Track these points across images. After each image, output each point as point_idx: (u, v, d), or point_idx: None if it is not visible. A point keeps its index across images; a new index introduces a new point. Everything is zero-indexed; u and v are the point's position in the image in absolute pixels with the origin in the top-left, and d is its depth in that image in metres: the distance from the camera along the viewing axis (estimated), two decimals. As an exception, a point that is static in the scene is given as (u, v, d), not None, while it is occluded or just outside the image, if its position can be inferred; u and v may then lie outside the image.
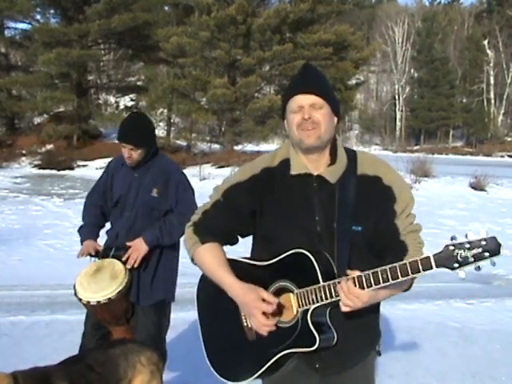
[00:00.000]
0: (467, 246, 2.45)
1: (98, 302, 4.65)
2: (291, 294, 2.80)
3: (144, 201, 4.94)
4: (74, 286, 4.79)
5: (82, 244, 5.02)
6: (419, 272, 2.50)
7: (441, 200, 22.10)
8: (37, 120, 34.78)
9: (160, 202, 4.97)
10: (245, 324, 2.91)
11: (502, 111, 66.25)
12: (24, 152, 29.65)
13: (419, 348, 7.04)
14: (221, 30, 29.33)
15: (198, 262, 3.01)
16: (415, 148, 59.88)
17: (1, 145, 29.63)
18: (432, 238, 15.03)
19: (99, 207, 5.13)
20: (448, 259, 2.45)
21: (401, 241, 2.80)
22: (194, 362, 6.26)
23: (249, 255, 3.10)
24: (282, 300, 2.83)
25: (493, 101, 65.66)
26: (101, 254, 4.96)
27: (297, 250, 2.76)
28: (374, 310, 2.92)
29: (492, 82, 65.10)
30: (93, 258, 4.97)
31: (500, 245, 2.51)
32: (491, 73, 65.11)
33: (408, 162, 26.91)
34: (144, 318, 4.99)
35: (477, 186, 25.22)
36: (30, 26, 32.10)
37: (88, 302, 4.68)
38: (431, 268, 2.48)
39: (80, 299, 4.73)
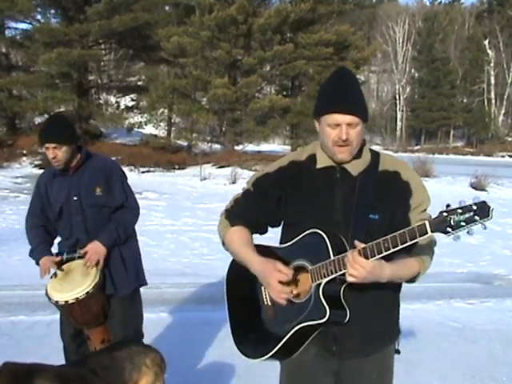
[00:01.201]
0: (459, 211, 2.60)
1: (77, 298, 4.66)
2: (307, 273, 2.95)
3: (90, 201, 4.93)
4: (47, 293, 4.81)
5: (38, 265, 4.97)
6: (415, 237, 2.67)
7: (441, 200, 21.73)
8: (37, 120, 34.71)
9: (107, 200, 4.99)
10: (265, 302, 3.08)
11: (503, 111, 66.30)
12: (25, 152, 29.61)
13: (420, 348, 7.04)
14: (222, 30, 29.34)
15: (227, 243, 3.21)
16: (416, 148, 59.96)
17: (1, 145, 29.59)
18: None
19: (42, 227, 5.04)
20: (442, 224, 2.62)
21: None
22: (194, 362, 6.29)
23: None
24: (300, 279, 3.00)
25: (493, 101, 65.73)
26: (65, 260, 4.94)
27: (312, 230, 2.94)
28: (391, 299, 3.10)
29: (493, 81, 65.15)
30: (56, 270, 4.93)
31: (489, 207, 2.60)
32: (492, 73, 65.15)
33: (409, 162, 26.55)
34: (122, 308, 5.03)
35: (477, 186, 25.22)
36: (30, 25, 32.08)
37: (66, 301, 4.69)
38: (427, 233, 2.65)
39: (57, 302, 4.73)
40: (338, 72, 3.08)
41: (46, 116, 31.87)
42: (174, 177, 26.25)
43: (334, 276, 2.84)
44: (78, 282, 4.75)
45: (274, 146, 45.03)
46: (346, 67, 3.24)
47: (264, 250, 3.14)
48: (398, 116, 68.45)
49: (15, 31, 34.39)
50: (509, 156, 56.74)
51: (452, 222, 2.60)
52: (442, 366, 6.60)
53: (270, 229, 3.32)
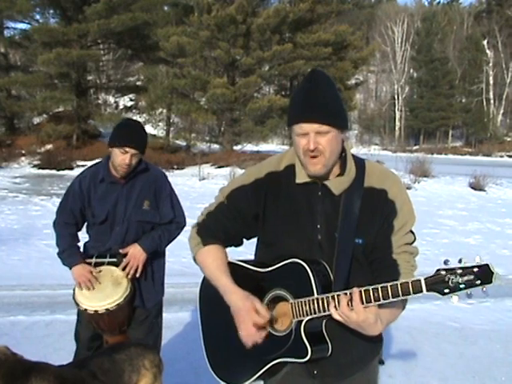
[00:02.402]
0: (459, 271, 2.43)
1: (107, 309, 4.58)
2: (287, 303, 2.78)
3: (135, 215, 4.81)
4: (75, 298, 4.73)
5: (70, 268, 4.81)
6: (409, 294, 2.48)
7: (440, 200, 22.10)
8: (36, 120, 34.78)
9: (153, 215, 4.89)
10: (252, 344, 2.88)
11: (502, 111, 66.39)
12: (23, 152, 29.64)
13: (419, 348, 7.04)
14: (220, 30, 29.34)
15: (199, 263, 3.03)
16: (414, 148, 59.99)
17: (0, 145, 29.61)
18: (431, 238, 15.02)
19: (74, 226, 4.86)
20: (439, 284, 2.44)
21: (393, 259, 2.78)
22: (194, 362, 6.28)
23: (248, 255, 3.10)
24: (279, 308, 2.83)
25: (492, 101, 65.80)
26: (93, 264, 4.81)
27: (294, 260, 2.75)
28: None
29: (491, 81, 65.21)
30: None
31: (492, 273, 2.43)
32: (490, 73, 65.23)
33: (407, 161, 26.94)
34: (146, 320, 4.95)
35: (476, 186, 25.22)
36: (29, 25, 32.11)
37: (96, 311, 4.60)
38: (421, 291, 2.46)
39: (85, 309, 4.64)
40: (307, 78, 2.81)
41: (45, 116, 32.04)
42: (173, 177, 26.14)
43: (317, 316, 2.67)
44: (108, 292, 4.66)
45: (273, 145, 45.01)
46: (319, 70, 2.89)
47: (240, 273, 2.95)
48: (397, 116, 68.47)
49: (14, 31, 34.50)
50: (507, 156, 56.83)
51: (450, 283, 2.42)
52: (441, 366, 6.61)
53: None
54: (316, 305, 2.67)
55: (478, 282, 2.40)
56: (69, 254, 4.78)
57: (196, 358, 6.44)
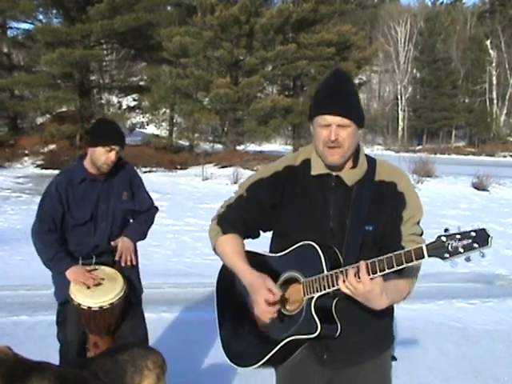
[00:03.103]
0: (458, 236, 2.55)
1: (111, 303, 4.60)
2: (299, 284, 2.92)
3: (119, 207, 4.89)
4: (72, 298, 4.65)
5: (63, 273, 4.72)
6: (412, 261, 2.63)
7: (443, 200, 22.09)
8: (39, 120, 34.78)
9: (131, 204, 4.99)
10: (266, 320, 3.01)
11: (505, 111, 66.29)
12: (26, 152, 29.63)
13: (422, 348, 7.04)
14: (224, 30, 29.33)
15: (218, 250, 3.21)
16: (417, 148, 59.92)
17: (3, 145, 29.59)
18: (434, 238, 14.99)
19: (56, 232, 4.79)
20: (439, 249, 2.57)
21: (401, 246, 2.86)
22: (196, 362, 6.29)
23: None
24: (292, 290, 2.97)
25: (495, 101, 65.72)
26: (93, 264, 4.83)
27: (306, 242, 2.91)
28: (384, 308, 2.98)
29: (494, 81, 65.13)
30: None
31: (489, 236, 2.51)
32: (494, 73, 65.14)
33: (410, 161, 26.92)
34: (136, 316, 5.00)
35: (479, 186, 25.21)
36: (32, 26, 32.05)
37: (101, 307, 4.59)
38: (423, 257, 2.60)
39: (89, 307, 4.60)
40: (332, 74, 3.05)
41: (48, 116, 32.05)
42: (176, 177, 26.25)
43: (327, 291, 2.82)
44: (108, 288, 4.69)
45: (276, 146, 45.02)
46: (342, 69, 3.19)
47: (256, 259, 3.11)
48: (400, 116, 68.44)
49: (17, 31, 34.47)
50: (510, 156, 56.73)
51: (450, 247, 2.56)
52: (443, 366, 6.60)
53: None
54: (325, 281, 2.82)
55: (476, 245, 2.51)
56: (59, 258, 4.73)
57: (197, 357, 6.45)
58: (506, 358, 6.98)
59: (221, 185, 23.73)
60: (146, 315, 5.21)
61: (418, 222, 3.00)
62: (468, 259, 2.55)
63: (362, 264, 2.68)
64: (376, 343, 3.10)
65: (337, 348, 2.99)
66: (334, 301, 2.88)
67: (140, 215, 5.07)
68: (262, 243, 3.33)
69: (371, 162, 3.08)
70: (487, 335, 7.76)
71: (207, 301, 8.06)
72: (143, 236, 5.06)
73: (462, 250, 2.53)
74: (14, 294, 8.83)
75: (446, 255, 2.55)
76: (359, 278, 2.68)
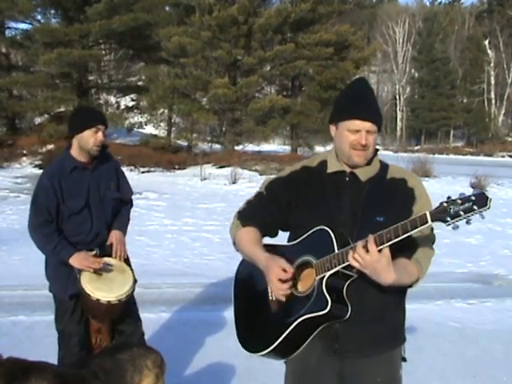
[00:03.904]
0: (459, 201, 2.71)
1: (128, 295, 4.76)
2: (312, 268, 3.03)
3: (108, 195, 5.01)
4: (89, 294, 4.68)
5: (67, 261, 4.78)
6: (417, 227, 2.77)
7: (441, 200, 22.04)
8: (38, 120, 34.73)
9: (119, 194, 5.14)
10: (270, 297, 3.15)
11: (503, 111, 66.37)
12: (25, 152, 29.60)
13: (420, 348, 7.03)
14: (222, 30, 29.32)
15: (237, 241, 3.33)
16: (416, 148, 60.00)
17: (2, 145, 29.55)
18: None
19: (54, 223, 4.84)
20: (442, 213, 2.73)
21: (412, 238, 2.96)
22: (195, 362, 6.29)
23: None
24: (305, 274, 3.09)
25: (493, 101, 65.81)
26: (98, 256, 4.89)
27: (318, 227, 3.05)
28: (395, 303, 3.22)
29: (493, 81, 65.20)
30: (96, 251, 4.93)
31: (487, 198, 2.68)
32: (492, 73, 65.21)
33: (409, 162, 26.95)
34: (133, 309, 5.11)
35: (477, 186, 25.15)
36: (30, 26, 32.05)
37: (119, 300, 4.71)
38: (427, 222, 2.75)
39: (109, 301, 4.68)
40: (359, 81, 3.28)
41: (46, 116, 32.03)
42: (174, 177, 26.26)
43: (337, 269, 2.93)
44: (122, 280, 4.84)
45: (274, 146, 45.01)
46: (363, 77, 3.44)
47: (272, 249, 3.22)
48: (398, 116, 68.54)
49: (15, 31, 34.36)
50: (509, 156, 56.78)
51: (451, 211, 2.70)
52: (442, 366, 6.61)
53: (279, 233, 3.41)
54: (336, 259, 2.94)
55: (475, 207, 2.67)
56: (61, 247, 4.78)
57: (197, 357, 6.45)
58: (504, 357, 6.98)
59: (219, 185, 23.74)
60: (145, 315, 5.24)
61: None
62: (468, 222, 2.71)
63: (370, 236, 2.80)
64: (387, 338, 3.22)
65: (348, 338, 3.09)
66: (346, 283, 3.00)
67: (123, 209, 5.19)
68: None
69: (384, 164, 3.26)
70: (485, 335, 7.76)
71: (206, 301, 8.08)
72: (127, 227, 5.19)
73: (462, 213, 2.68)
74: (12, 294, 8.83)
75: (448, 219, 2.71)
76: (367, 250, 2.79)
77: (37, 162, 28.28)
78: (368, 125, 3.05)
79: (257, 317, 3.25)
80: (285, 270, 2.99)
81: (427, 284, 9.68)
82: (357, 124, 3.04)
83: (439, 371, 6.43)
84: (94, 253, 4.85)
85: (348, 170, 3.17)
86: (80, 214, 4.86)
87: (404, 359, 3.38)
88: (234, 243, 3.36)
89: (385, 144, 64.06)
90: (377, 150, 3.23)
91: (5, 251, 11.35)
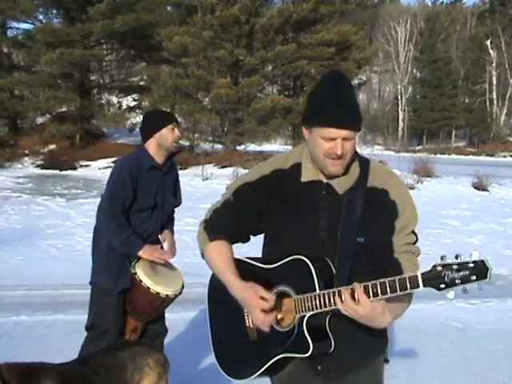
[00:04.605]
0: (455, 267, 2.42)
1: (181, 291, 5.03)
2: (291, 299, 2.82)
3: (170, 202, 5.21)
4: (149, 287, 4.80)
5: (137, 252, 4.87)
6: (406, 290, 2.51)
7: (443, 200, 22.08)
8: (39, 120, 34.78)
9: (177, 202, 5.38)
10: (247, 324, 2.96)
11: (505, 111, 66.33)
12: (26, 152, 29.64)
13: (422, 348, 7.03)
14: (224, 30, 29.31)
15: (206, 258, 3.09)
16: (418, 148, 59.98)
17: (3, 145, 29.59)
18: (435, 238, 14.97)
19: (124, 215, 4.94)
20: (435, 279, 2.45)
21: (394, 258, 2.78)
22: (197, 362, 6.28)
23: (252, 254, 3.16)
24: (284, 304, 2.88)
25: (495, 101, 65.77)
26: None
27: (297, 257, 2.78)
28: None
29: (494, 81, 65.17)
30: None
31: (488, 268, 2.39)
32: (494, 73, 65.18)
33: (410, 161, 26.95)
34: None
35: (479, 186, 25.20)
36: (32, 26, 32.08)
37: (175, 295, 4.97)
38: (418, 287, 2.48)
39: (167, 295, 4.90)
40: (332, 78, 2.84)
41: (48, 116, 32.06)
42: (176, 177, 26.23)
43: (319, 311, 2.72)
44: (176, 275, 5.09)
45: (276, 146, 44.97)
46: (340, 71, 2.93)
47: (247, 270, 2.99)
48: (400, 116, 68.50)
49: (17, 31, 34.47)
50: (511, 156, 56.75)
51: (446, 278, 2.43)
52: (443, 366, 6.60)
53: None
54: (318, 301, 2.71)
55: (474, 277, 2.40)
56: (133, 239, 4.86)
57: (199, 358, 6.45)
58: (505, 357, 6.97)
59: (221, 185, 23.65)
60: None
61: (413, 231, 2.86)
62: (465, 291, 2.45)
63: (356, 285, 2.59)
64: (371, 352, 3.01)
65: (331, 359, 2.89)
66: (328, 317, 2.78)
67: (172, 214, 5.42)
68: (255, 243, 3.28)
69: (364, 164, 2.92)
70: (487, 335, 7.76)
71: (207, 301, 8.06)
72: None
73: (458, 282, 2.42)
74: (14, 294, 8.83)
75: (442, 286, 2.44)
76: (358, 300, 2.59)
77: (38, 162, 28.33)
78: (345, 132, 2.71)
79: (234, 344, 3.06)
80: (264, 299, 2.79)
81: (429, 284, 9.68)
82: (331, 132, 2.70)
83: (440, 371, 6.43)
84: (159, 246, 5.09)
85: (324, 180, 2.86)
86: (144, 212, 5.01)
87: (386, 360, 3.10)
88: (203, 256, 3.11)
89: (386, 144, 64.10)
90: (356, 153, 2.89)
91: (6, 251, 11.35)
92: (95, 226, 5.13)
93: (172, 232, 5.34)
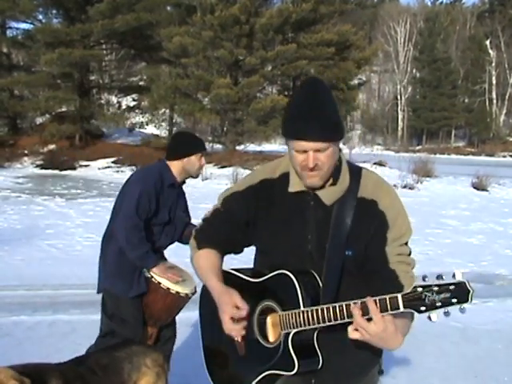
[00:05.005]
0: (435, 288, 2.33)
1: (193, 293, 4.92)
2: (277, 315, 2.77)
3: (181, 219, 5.15)
4: (169, 288, 4.84)
5: (151, 268, 4.83)
6: (387, 311, 2.41)
7: (443, 200, 22.09)
8: (39, 120, 34.80)
9: (188, 217, 5.28)
10: (236, 338, 2.86)
11: (504, 111, 66.40)
12: (26, 152, 29.66)
13: (421, 348, 7.03)
14: (224, 30, 29.34)
15: (193, 266, 3.09)
16: (417, 148, 60.08)
17: (3, 145, 29.61)
18: (434, 238, 15.00)
19: (143, 230, 4.88)
20: (416, 301, 2.36)
21: (391, 269, 2.69)
22: (195, 362, 6.27)
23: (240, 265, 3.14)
24: (270, 319, 2.81)
25: (495, 101, 65.86)
26: None
27: (282, 271, 2.73)
28: None
29: (494, 81, 65.24)
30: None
31: (469, 291, 2.32)
32: (493, 73, 65.24)
33: (410, 162, 26.97)
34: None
35: (479, 186, 25.23)
36: (32, 26, 32.11)
37: (193, 293, 4.91)
38: (398, 308, 2.39)
39: (186, 294, 4.92)
40: (306, 88, 2.75)
41: (48, 116, 32.07)
42: (176, 177, 26.24)
43: (303, 329, 2.64)
44: (186, 279, 4.98)
45: (276, 146, 44.99)
46: (316, 78, 2.84)
47: (234, 282, 2.93)
48: (400, 116, 68.56)
49: (17, 31, 34.54)
50: (510, 156, 56.84)
51: (427, 300, 2.33)
52: (443, 366, 6.60)
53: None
54: (302, 318, 2.64)
55: (455, 300, 2.32)
56: (149, 255, 4.82)
57: (197, 358, 6.43)
58: (505, 358, 6.97)
59: (220, 185, 23.67)
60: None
61: (407, 243, 2.77)
62: (447, 314, 2.35)
63: (371, 300, 2.43)
64: (365, 364, 2.93)
65: (324, 372, 2.80)
66: (316, 333, 2.70)
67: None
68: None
69: (355, 175, 2.83)
70: (487, 335, 7.75)
71: (207, 301, 8.07)
72: None
73: (439, 304, 2.32)
74: (14, 294, 8.82)
75: (422, 308, 2.34)
76: (364, 316, 2.45)
77: (38, 162, 28.35)
78: (314, 145, 2.60)
79: (223, 356, 3.00)
80: (238, 307, 2.73)
81: (429, 284, 9.69)
82: (301, 145, 2.62)
83: (441, 371, 6.43)
84: (169, 264, 5.02)
85: (312, 191, 2.79)
86: (158, 226, 4.99)
87: (381, 372, 3.00)
88: (192, 264, 3.12)
89: (386, 144, 64.21)
90: (340, 159, 2.80)
91: (6, 251, 11.34)
92: (107, 230, 5.05)
93: None
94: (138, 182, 4.89)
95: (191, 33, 30.20)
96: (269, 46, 30.88)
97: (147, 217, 4.82)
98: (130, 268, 4.83)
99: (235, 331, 2.77)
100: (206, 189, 22.36)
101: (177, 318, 7.46)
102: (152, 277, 4.79)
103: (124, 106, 36.24)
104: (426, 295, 2.32)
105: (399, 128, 68.31)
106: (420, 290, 2.34)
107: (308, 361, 2.72)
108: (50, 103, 30.33)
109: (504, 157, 56.19)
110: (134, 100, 36.54)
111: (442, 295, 2.31)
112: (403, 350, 6.91)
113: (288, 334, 2.70)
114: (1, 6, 28.83)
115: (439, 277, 2.33)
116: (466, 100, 68.28)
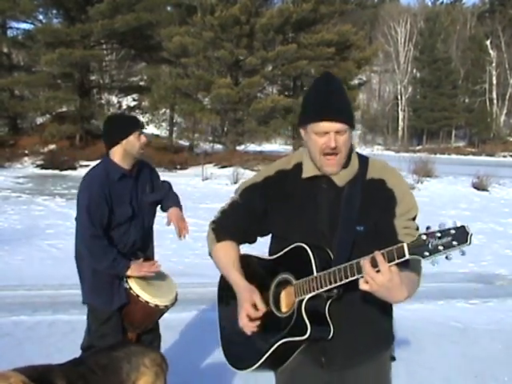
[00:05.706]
0: (438, 234, 2.50)
1: (176, 300, 4.85)
2: (292, 286, 2.90)
3: (144, 200, 4.93)
4: (147, 301, 4.67)
5: (124, 273, 4.68)
6: (394, 260, 2.57)
7: (443, 200, 22.08)
8: (39, 120, 34.80)
9: (155, 196, 5.07)
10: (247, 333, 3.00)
11: (505, 111, 66.36)
12: (26, 152, 29.66)
13: (421, 348, 7.03)
14: (224, 30, 29.36)
15: (214, 258, 3.19)
16: (417, 148, 60.04)
17: (3, 145, 29.61)
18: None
19: (104, 235, 4.72)
20: (420, 247, 2.52)
21: (399, 241, 2.75)
22: (196, 362, 6.28)
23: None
24: (285, 292, 2.96)
25: (495, 101, 65.83)
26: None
27: (297, 244, 2.88)
28: (380, 308, 2.96)
29: (494, 81, 65.21)
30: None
31: (468, 233, 2.48)
32: (494, 73, 65.21)
33: (410, 161, 26.96)
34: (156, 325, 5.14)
35: (479, 186, 25.23)
36: (32, 26, 32.14)
37: (172, 304, 4.82)
38: (404, 256, 2.55)
39: (166, 306, 4.76)
40: (323, 79, 2.99)
41: (48, 116, 32.08)
42: (176, 177, 26.19)
43: (316, 292, 2.79)
44: (168, 285, 4.93)
45: (276, 146, 45.05)
46: (330, 73, 3.09)
47: (251, 263, 3.14)
48: (400, 116, 68.53)
49: (17, 31, 34.53)
50: (510, 156, 56.81)
51: (430, 245, 2.51)
52: (443, 366, 6.60)
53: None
54: (315, 282, 2.79)
55: (455, 242, 2.47)
56: (119, 261, 4.66)
57: (197, 357, 6.45)
58: (505, 357, 6.97)
59: (221, 185, 23.74)
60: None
61: (414, 219, 2.94)
62: (448, 257, 2.53)
63: (378, 253, 2.60)
64: (375, 345, 3.04)
65: (334, 351, 2.95)
66: (328, 303, 2.84)
67: (169, 192, 5.21)
68: (261, 244, 3.31)
69: (363, 161, 3.04)
70: (487, 335, 7.75)
71: (207, 301, 8.07)
72: (182, 206, 5.23)
73: (441, 248, 2.49)
74: (14, 294, 8.83)
75: (426, 253, 2.51)
76: (374, 268, 2.61)
77: (38, 162, 28.35)
78: (337, 126, 2.82)
79: (239, 333, 3.06)
80: (256, 307, 2.89)
81: (429, 284, 9.67)
82: (324, 126, 2.83)
83: (441, 371, 6.42)
84: (142, 259, 4.80)
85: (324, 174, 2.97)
86: (124, 224, 4.80)
87: (393, 358, 3.16)
88: (210, 256, 3.22)
89: (386, 144, 64.19)
90: (352, 146, 3.00)
91: (6, 251, 11.35)
92: (75, 247, 4.99)
93: (178, 206, 5.16)
94: (84, 191, 4.74)
95: (191, 33, 30.23)
96: (269, 46, 30.90)
97: (104, 222, 4.66)
98: (107, 281, 4.73)
99: (248, 328, 2.92)
100: (206, 189, 22.40)
101: (177, 318, 7.45)
102: (130, 288, 4.67)
103: (124, 106, 36.23)
104: (429, 241, 2.50)
105: (399, 128, 68.29)
106: (424, 237, 2.52)
107: (320, 328, 2.85)
108: (51, 103, 30.34)
109: (504, 157, 56.17)
110: (134, 100, 36.54)
111: (444, 239, 2.48)
112: (404, 350, 6.92)
113: (301, 301, 2.82)
114: (1, 5, 28.83)
115: (441, 225, 2.52)
116: (467, 100, 68.26)
